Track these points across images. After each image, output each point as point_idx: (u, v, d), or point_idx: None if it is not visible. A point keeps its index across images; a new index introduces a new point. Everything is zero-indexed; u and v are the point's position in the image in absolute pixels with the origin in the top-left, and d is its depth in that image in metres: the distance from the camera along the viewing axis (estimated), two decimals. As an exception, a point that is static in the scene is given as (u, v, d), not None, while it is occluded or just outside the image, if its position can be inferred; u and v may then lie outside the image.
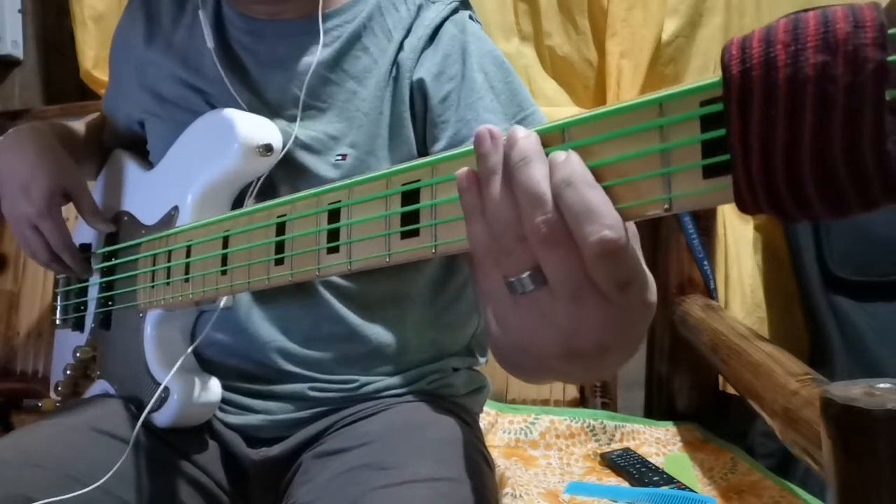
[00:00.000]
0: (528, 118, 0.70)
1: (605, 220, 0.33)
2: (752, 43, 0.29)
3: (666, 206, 0.34)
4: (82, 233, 0.86)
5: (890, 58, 0.26)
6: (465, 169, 0.38)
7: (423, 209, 0.44)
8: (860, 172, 0.27)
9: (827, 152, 0.28)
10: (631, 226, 0.37)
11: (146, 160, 0.83)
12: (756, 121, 0.29)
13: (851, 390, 0.48)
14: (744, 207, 0.31)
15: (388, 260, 0.46)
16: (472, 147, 0.38)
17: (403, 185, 0.45)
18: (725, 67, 0.30)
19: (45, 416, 0.74)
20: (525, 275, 0.36)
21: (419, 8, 0.74)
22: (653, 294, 0.39)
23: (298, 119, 0.71)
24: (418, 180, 0.44)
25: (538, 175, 0.35)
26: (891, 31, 0.27)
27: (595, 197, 0.34)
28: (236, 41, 0.75)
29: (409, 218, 0.45)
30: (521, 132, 0.36)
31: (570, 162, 0.35)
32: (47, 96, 1.59)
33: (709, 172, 0.32)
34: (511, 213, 0.36)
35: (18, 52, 1.54)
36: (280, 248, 0.54)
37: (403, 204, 0.45)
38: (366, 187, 0.48)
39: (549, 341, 0.38)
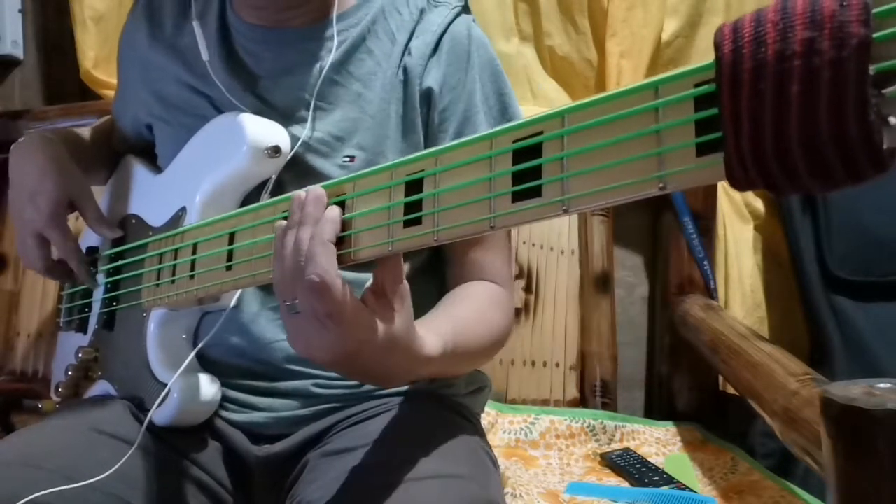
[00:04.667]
0: None
1: (317, 269, 0.48)
2: (743, 24, 0.31)
3: (661, 184, 0.35)
4: (89, 237, 0.87)
5: (874, 34, 0.28)
6: (281, 222, 0.53)
7: (425, 198, 0.46)
8: (845, 143, 0.28)
9: (813, 125, 0.29)
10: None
11: (155, 164, 0.84)
12: (746, 96, 0.30)
13: (851, 390, 0.48)
14: (735, 183, 0.32)
15: (390, 248, 0.49)
16: (471, 137, 0.45)
17: (408, 175, 0.48)
18: (718, 47, 0.32)
19: (45, 417, 0.74)
20: (296, 300, 0.50)
21: (422, 11, 0.75)
22: (370, 333, 0.51)
23: (311, 120, 0.72)
24: (422, 170, 0.46)
25: (305, 235, 0.50)
26: (875, 10, 0.28)
27: (319, 250, 0.48)
28: (242, 47, 0.76)
29: (412, 207, 0.47)
30: (310, 202, 0.51)
31: (324, 220, 0.50)
32: (47, 96, 1.58)
33: (702, 150, 0.34)
34: (292, 257, 0.50)
35: (18, 52, 1.54)
36: None
37: (407, 194, 0.48)
38: (370, 179, 0.50)
39: (301, 350, 0.52)
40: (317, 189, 0.52)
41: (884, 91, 0.28)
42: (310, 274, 0.48)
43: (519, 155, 0.41)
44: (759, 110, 0.30)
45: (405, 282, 0.53)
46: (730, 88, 0.31)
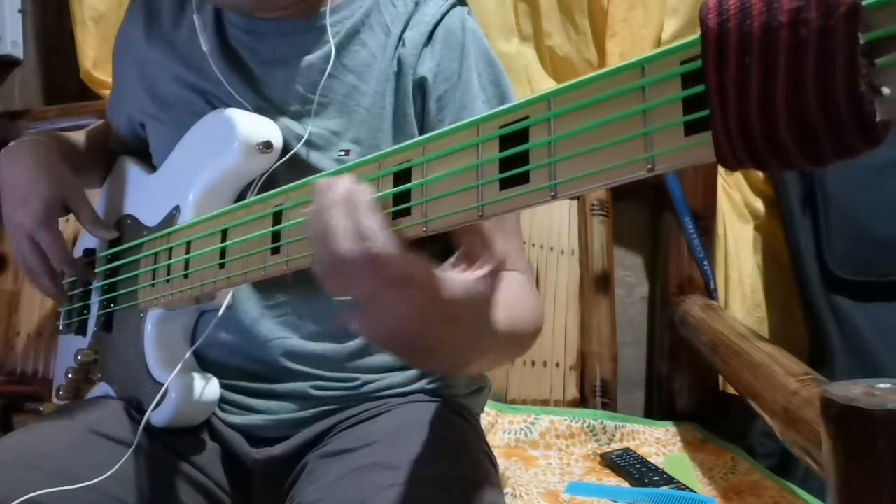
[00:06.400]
0: None
1: (375, 242, 0.42)
2: None
3: (649, 165, 0.34)
4: (87, 239, 0.87)
5: (863, 1, 0.26)
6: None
7: (414, 188, 0.46)
8: (834, 116, 0.27)
9: (801, 98, 0.28)
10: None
11: (150, 164, 0.83)
12: (732, 70, 0.29)
13: (851, 390, 0.48)
14: (724, 161, 0.31)
15: None
16: (458, 125, 0.43)
17: (395, 165, 0.47)
18: (703, 21, 0.30)
19: (44, 418, 0.74)
20: (355, 289, 0.44)
21: (416, 3, 0.75)
22: (431, 293, 0.44)
23: (307, 115, 0.71)
24: (410, 160, 0.46)
25: (340, 213, 0.43)
26: None
27: (368, 222, 0.42)
28: (237, 40, 0.75)
29: (401, 198, 0.46)
30: (333, 186, 0.44)
31: (356, 190, 0.44)
32: (47, 96, 1.58)
33: (690, 129, 0.33)
34: (335, 241, 0.43)
35: (18, 52, 1.54)
36: (276, 237, 0.55)
37: (396, 185, 0.47)
38: (357, 171, 0.49)
39: (381, 337, 0.46)
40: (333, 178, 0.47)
41: (875, 60, 0.27)
42: (367, 248, 0.42)
43: (506, 141, 0.41)
44: (746, 84, 0.29)
45: (491, 252, 0.48)
46: (715, 63, 0.30)
